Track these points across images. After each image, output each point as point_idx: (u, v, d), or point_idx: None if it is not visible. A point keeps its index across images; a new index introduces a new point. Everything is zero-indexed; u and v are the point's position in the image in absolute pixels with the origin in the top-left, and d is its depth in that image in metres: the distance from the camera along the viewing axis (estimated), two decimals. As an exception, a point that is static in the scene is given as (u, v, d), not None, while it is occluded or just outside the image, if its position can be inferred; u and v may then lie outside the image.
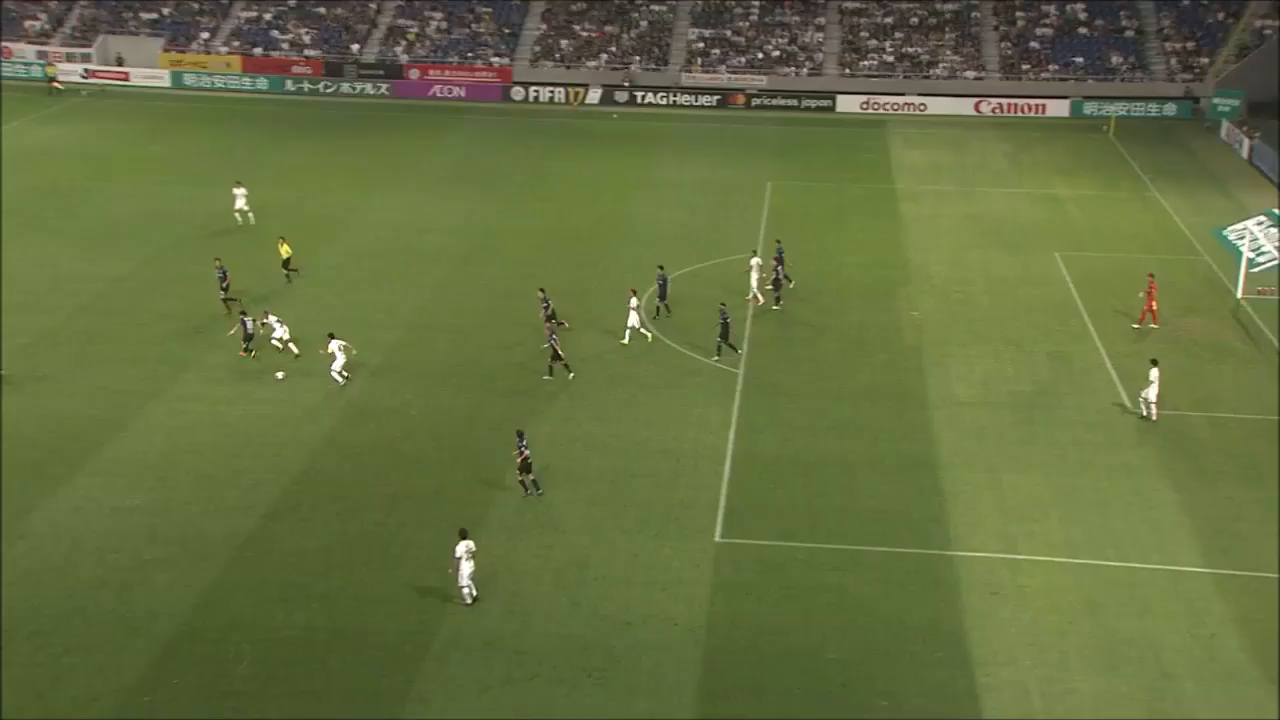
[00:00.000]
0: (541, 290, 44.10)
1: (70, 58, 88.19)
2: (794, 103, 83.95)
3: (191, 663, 27.03)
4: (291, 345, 42.06)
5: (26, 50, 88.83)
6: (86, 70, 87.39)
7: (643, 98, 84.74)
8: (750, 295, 47.57)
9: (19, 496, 33.27)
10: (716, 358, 42.27)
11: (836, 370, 42.22)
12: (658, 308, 45.78)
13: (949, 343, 44.57)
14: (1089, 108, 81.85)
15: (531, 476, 33.54)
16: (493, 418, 38.28)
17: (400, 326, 45.26)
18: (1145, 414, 38.50)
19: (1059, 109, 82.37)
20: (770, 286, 47.51)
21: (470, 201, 61.36)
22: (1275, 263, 46.73)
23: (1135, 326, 45.54)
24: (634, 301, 43.57)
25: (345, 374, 40.17)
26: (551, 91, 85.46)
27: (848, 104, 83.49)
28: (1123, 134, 76.32)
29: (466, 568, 28.74)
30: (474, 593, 28.95)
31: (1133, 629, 28.58)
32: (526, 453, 33.21)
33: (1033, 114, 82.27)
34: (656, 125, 79.54)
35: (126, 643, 27.52)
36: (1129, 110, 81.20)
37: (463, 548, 28.68)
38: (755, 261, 48.18)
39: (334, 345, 40.16)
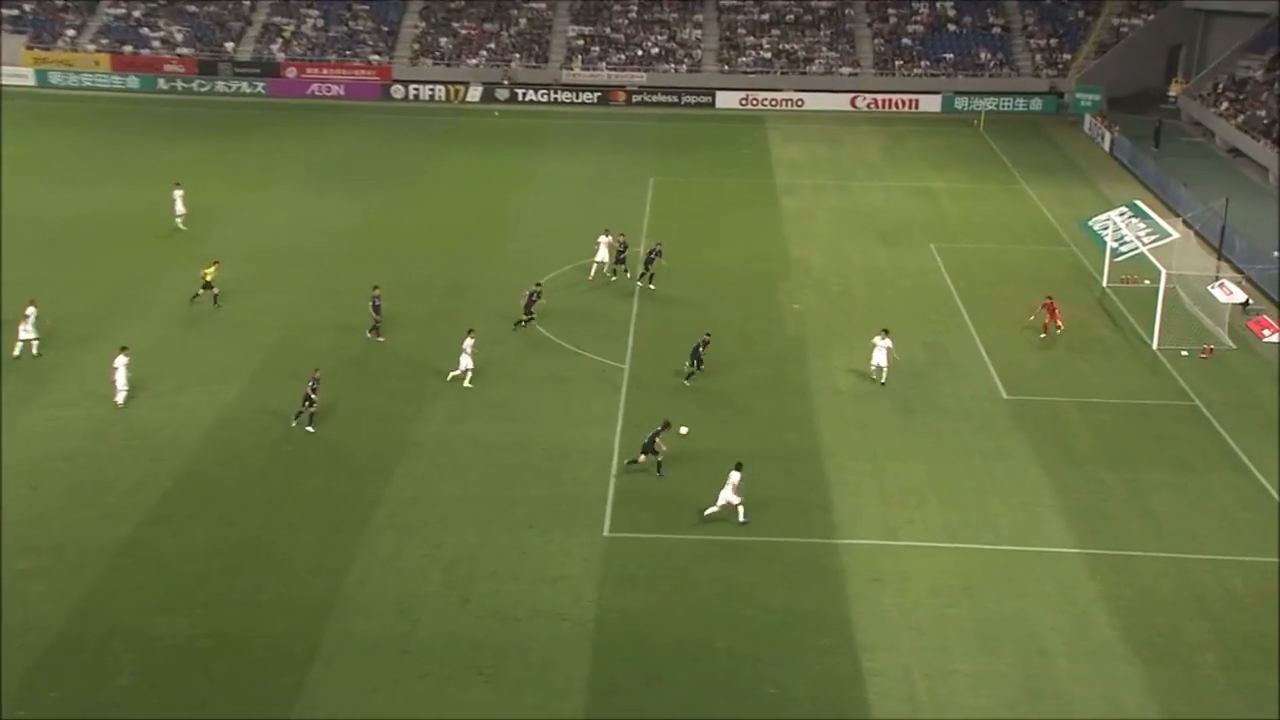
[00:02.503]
0: (376, 287, 43.52)
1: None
2: (674, 99, 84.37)
3: (69, 674, 26.20)
4: (34, 343, 40.98)
5: None
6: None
7: (524, 95, 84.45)
8: (592, 274, 49.48)
9: (-118, 509, 31.97)
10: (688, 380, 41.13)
11: (720, 363, 42.40)
12: (520, 320, 44.45)
13: (830, 334, 45.13)
14: (960, 103, 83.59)
15: (658, 458, 34.35)
16: (379, 416, 37.85)
17: (278, 328, 44.37)
18: (876, 379, 40.69)
19: (931, 104, 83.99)
20: (619, 264, 49.50)
21: (349, 200, 60.45)
22: (1137, 252, 48.19)
23: (1059, 331, 44.81)
24: (469, 343, 40.38)
25: (121, 396, 37.94)
26: (432, 90, 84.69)
27: (727, 100, 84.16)
28: (992, 128, 78.15)
29: (729, 493, 31.77)
30: (729, 508, 31.90)
31: (1009, 609, 29.23)
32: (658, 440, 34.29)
33: (906, 109, 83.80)
34: (538, 123, 79.29)
35: (-1, 657, 26.65)
36: (998, 105, 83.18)
37: (736, 476, 31.86)
38: (603, 240, 49.67)
39: (118, 361, 37.94)
